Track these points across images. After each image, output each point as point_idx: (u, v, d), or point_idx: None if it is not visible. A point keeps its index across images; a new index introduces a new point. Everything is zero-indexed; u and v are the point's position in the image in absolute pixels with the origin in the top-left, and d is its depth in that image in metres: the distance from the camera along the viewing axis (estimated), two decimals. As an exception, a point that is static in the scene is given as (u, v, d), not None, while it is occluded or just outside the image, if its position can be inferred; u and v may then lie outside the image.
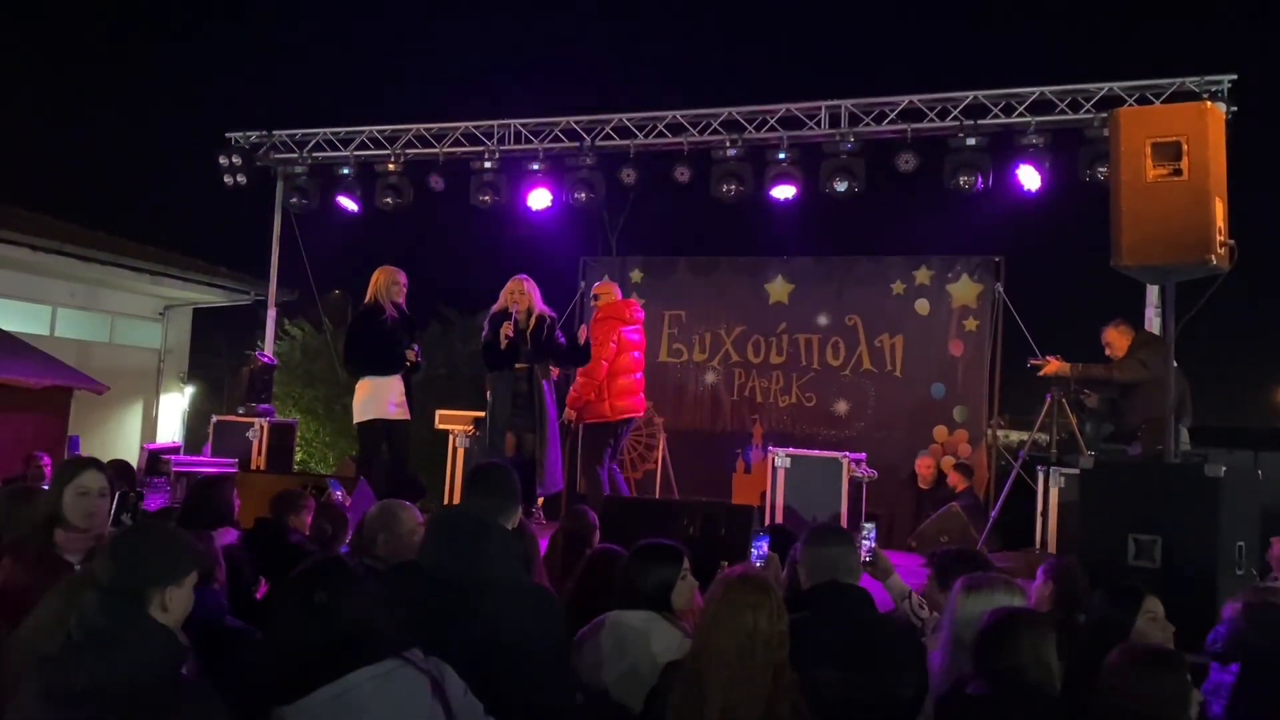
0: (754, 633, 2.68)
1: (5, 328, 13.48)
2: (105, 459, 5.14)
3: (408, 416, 7.63)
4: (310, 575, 2.57)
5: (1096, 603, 3.60)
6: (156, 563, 2.42)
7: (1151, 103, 8.31)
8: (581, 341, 7.56)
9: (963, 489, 9.00)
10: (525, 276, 7.55)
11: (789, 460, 8.34)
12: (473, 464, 7.47)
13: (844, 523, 7.57)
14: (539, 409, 7.38)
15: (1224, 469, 4.81)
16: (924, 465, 9.52)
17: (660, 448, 10.21)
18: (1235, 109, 8.06)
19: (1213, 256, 5.15)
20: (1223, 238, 5.25)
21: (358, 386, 7.55)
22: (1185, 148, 5.22)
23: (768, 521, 7.91)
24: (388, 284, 7.42)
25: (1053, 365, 7.47)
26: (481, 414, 8.93)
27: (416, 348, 7.57)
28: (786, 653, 2.72)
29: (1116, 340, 7.42)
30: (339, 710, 2.33)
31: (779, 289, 10.60)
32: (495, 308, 7.55)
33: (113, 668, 2.22)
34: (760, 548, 4.12)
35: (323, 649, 2.40)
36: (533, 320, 7.34)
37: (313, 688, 2.34)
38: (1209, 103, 6.05)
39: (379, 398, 7.41)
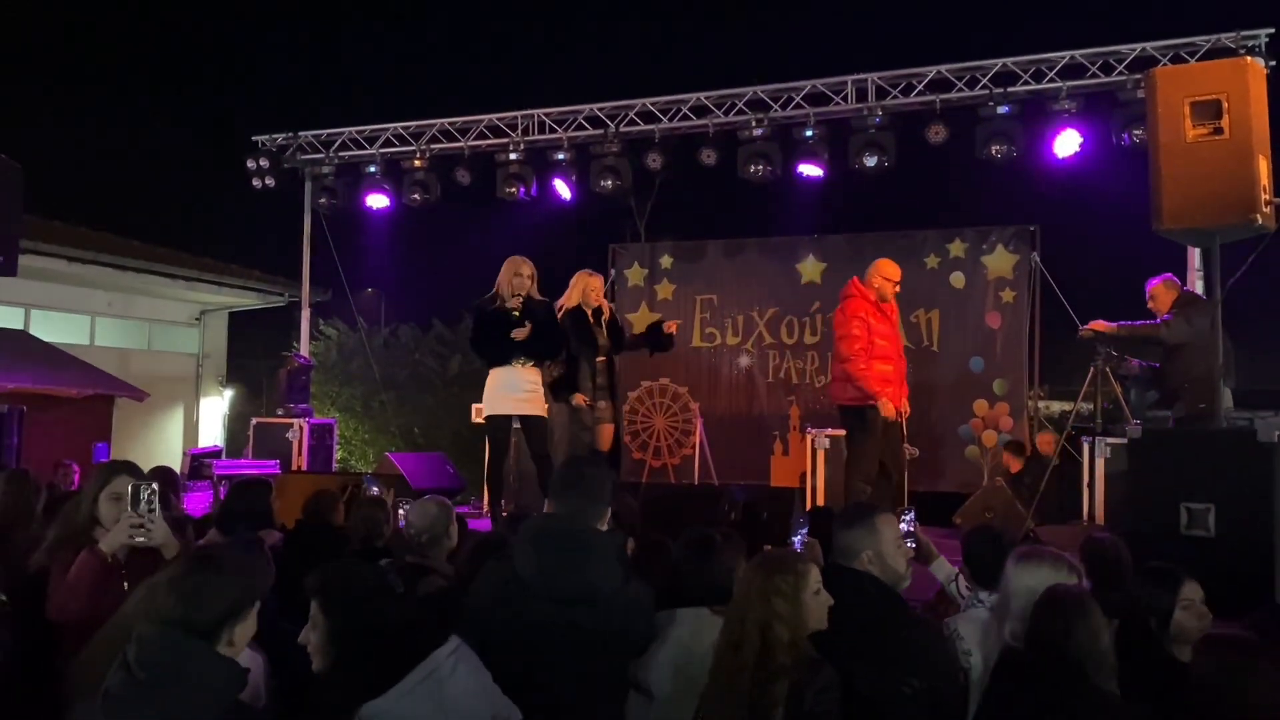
0: (775, 614, 2.67)
1: (47, 339, 13.69)
2: (148, 465, 5.18)
3: (539, 411, 6.94)
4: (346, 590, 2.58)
5: (1133, 585, 3.46)
6: (223, 601, 2.39)
7: (1187, 62, 8.12)
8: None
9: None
10: (592, 271, 7.36)
11: (828, 441, 8.28)
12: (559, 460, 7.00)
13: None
14: (619, 398, 7.24)
15: (1278, 434, 4.70)
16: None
17: (697, 433, 10.17)
18: (1275, 63, 7.85)
19: (1258, 216, 5.03)
20: (1267, 196, 5.12)
21: (488, 380, 7.05)
22: (1225, 105, 5.09)
23: (808, 504, 7.86)
24: (509, 275, 6.92)
25: (1097, 324, 7.25)
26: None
27: (528, 325, 6.81)
28: (800, 633, 2.69)
29: (1162, 294, 7.20)
30: (428, 691, 2.38)
31: (811, 268, 10.50)
32: (568, 303, 7.17)
33: (177, 706, 2.22)
34: (801, 533, 4.06)
35: (394, 637, 2.45)
36: (606, 313, 7.21)
37: (383, 678, 2.37)
38: (1248, 58, 5.91)
39: (498, 390, 6.93)
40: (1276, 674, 2.55)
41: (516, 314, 6.74)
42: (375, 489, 5.90)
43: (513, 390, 6.84)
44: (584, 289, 7.16)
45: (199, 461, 10.24)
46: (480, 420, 9.33)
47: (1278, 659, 2.59)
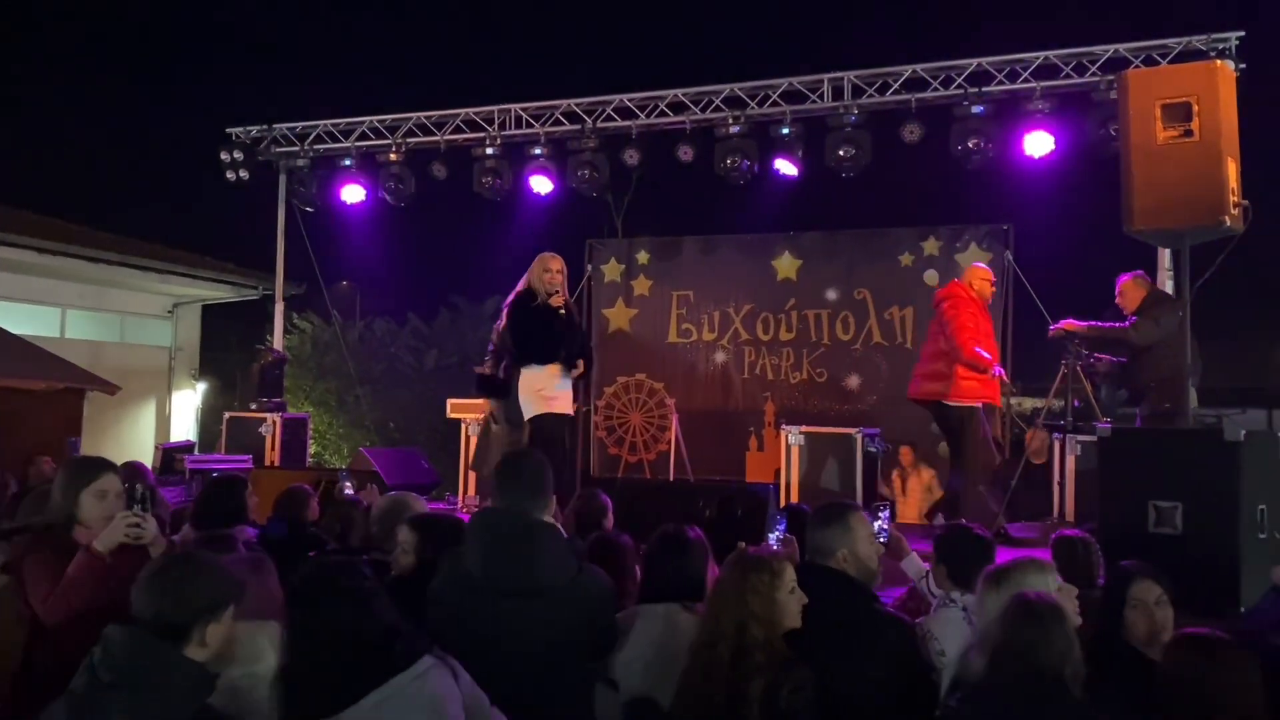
0: (751, 613, 2.71)
1: (15, 331, 13.49)
2: (120, 459, 5.13)
3: (569, 410, 6.86)
4: (326, 589, 2.53)
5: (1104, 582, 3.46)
6: (199, 598, 2.35)
7: (1158, 63, 8.21)
8: None
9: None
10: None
11: (802, 437, 8.32)
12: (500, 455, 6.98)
13: (860, 498, 7.55)
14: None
15: (1244, 432, 4.75)
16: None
17: (673, 429, 10.19)
18: (1244, 66, 7.95)
19: (1226, 218, 5.10)
20: (1236, 198, 5.18)
21: (520, 382, 6.86)
22: (1196, 108, 5.15)
23: (782, 500, 7.89)
24: (539, 271, 6.79)
25: (1068, 323, 7.26)
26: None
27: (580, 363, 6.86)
28: (775, 631, 2.71)
29: (1131, 291, 7.17)
30: (385, 715, 2.32)
31: (787, 265, 10.54)
32: (522, 287, 6.96)
33: (141, 710, 2.18)
34: (779, 530, 4.08)
35: (355, 659, 2.38)
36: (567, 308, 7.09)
37: (344, 696, 2.32)
38: (1218, 61, 5.98)
39: (535, 390, 6.74)
40: (1242, 672, 2.58)
41: (563, 313, 6.70)
42: (349, 485, 5.87)
43: (551, 390, 6.72)
44: (536, 277, 7.08)
45: (171, 456, 10.14)
46: (455, 415, 9.33)
47: (1244, 657, 2.63)
